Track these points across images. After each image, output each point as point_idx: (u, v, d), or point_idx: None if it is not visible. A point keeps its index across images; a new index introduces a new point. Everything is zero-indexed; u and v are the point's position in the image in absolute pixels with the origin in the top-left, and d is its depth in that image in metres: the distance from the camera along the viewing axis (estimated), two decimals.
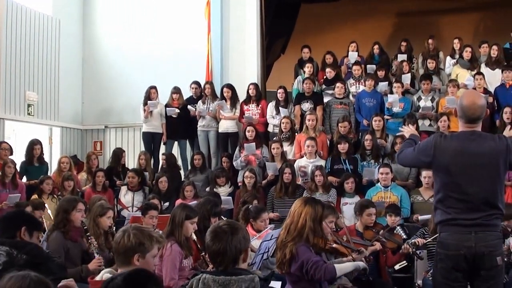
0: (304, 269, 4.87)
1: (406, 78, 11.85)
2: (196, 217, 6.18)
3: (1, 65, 11.78)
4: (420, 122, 10.86)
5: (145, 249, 3.87)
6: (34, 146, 10.89)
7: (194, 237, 6.11)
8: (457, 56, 12.35)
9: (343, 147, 10.15)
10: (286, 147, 10.81)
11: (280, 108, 11.51)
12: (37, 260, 4.97)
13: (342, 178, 9.65)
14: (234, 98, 11.94)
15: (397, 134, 10.07)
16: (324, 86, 12.25)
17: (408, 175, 9.99)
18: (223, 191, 10.26)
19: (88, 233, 6.37)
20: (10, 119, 12.09)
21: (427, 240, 7.02)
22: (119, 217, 9.94)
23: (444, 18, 17.41)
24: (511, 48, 12.23)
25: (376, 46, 13.32)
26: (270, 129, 11.75)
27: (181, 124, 12.15)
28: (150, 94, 12.12)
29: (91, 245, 6.27)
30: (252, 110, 11.78)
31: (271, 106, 11.74)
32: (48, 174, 11.06)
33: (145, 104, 12.06)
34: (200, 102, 12.04)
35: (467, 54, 11.93)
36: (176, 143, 12.42)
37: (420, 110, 11.12)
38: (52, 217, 8.53)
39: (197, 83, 12.42)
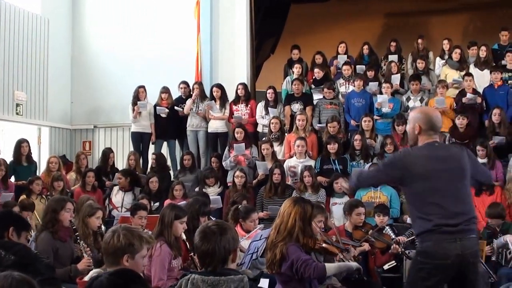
0: (294, 268, 4.88)
1: (395, 79, 11.87)
2: (185, 217, 6.17)
3: None
4: None
5: (134, 250, 3.86)
6: (21, 144, 10.85)
7: (184, 236, 6.10)
8: (446, 56, 12.39)
9: (332, 147, 10.17)
10: (276, 147, 10.81)
11: (269, 108, 11.51)
12: (25, 261, 4.95)
13: (331, 178, 9.66)
14: (223, 98, 11.93)
15: (385, 134, 10.11)
16: (313, 86, 12.27)
17: None
18: (212, 191, 10.25)
19: (77, 233, 6.35)
20: None
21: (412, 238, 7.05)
22: (110, 217, 9.90)
23: (433, 18, 17.46)
24: (500, 49, 12.28)
25: (365, 46, 13.33)
26: (259, 129, 11.75)
27: (170, 124, 12.13)
28: (139, 94, 12.08)
29: (79, 245, 6.25)
30: (241, 110, 11.78)
31: (260, 106, 11.75)
32: (37, 174, 11.02)
33: (134, 104, 12.02)
34: (189, 100, 12.00)
35: (456, 55, 11.96)
36: (165, 143, 12.40)
37: (409, 111, 11.15)
38: (38, 218, 8.49)
39: (185, 83, 12.39)
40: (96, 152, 13.63)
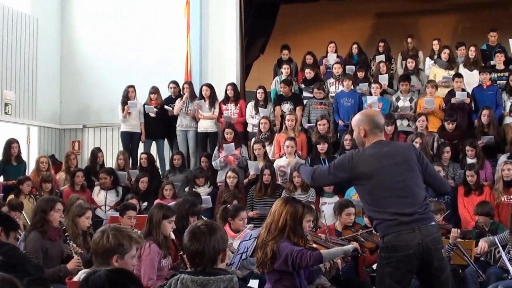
0: (290, 261, 4.89)
1: (383, 79, 11.90)
2: (174, 216, 6.17)
3: None
4: (398, 122, 10.95)
5: (124, 250, 3.85)
6: (11, 145, 10.82)
7: (173, 236, 6.09)
8: (436, 57, 12.43)
9: (322, 148, 10.18)
10: (265, 147, 10.82)
11: (259, 108, 11.52)
12: (14, 261, 4.94)
13: None
14: (213, 97, 11.92)
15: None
16: (303, 86, 12.29)
17: None
18: (202, 191, 10.23)
19: (67, 233, 6.34)
20: None
21: None
22: (95, 217, 9.85)
23: (422, 19, 17.54)
24: (488, 49, 12.33)
25: (355, 46, 13.37)
26: (249, 129, 11.76)
27: (160, 124, 12.13)
28: (129, 93, 12.06)
29: (69, 245, 6.23)
30: (231, 110, 11.79)
31: (250, 106, 11.76)
32: (26, 173, 10.98)
33: (123, 103, 12.00)
34: (178, 100, 11.99)
35: (445, 55, 12.01)
36: (154, 142, 12.38)
37: (398, 111, 11.20)
38: (27, 218, 8.46)
39: (175, 82, 12.38)
40: (85, 152, 13.57)
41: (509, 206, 8.12)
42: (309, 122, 11.31)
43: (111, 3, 13.87)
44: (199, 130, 11.85)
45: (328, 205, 9.25)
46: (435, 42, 12.67)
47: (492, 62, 11.88)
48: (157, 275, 5.80)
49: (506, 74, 11.30)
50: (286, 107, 11.59)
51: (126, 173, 11.06)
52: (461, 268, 7.33)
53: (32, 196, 9.83)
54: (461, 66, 11.95)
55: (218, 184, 10.58)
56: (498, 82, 11.37)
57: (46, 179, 10.14)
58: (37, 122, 13.35)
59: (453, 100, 10.79)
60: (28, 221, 7.95)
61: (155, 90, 12.22)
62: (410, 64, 12.20)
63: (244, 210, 7.69)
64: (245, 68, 14.12)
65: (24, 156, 11.64)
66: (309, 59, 12.76)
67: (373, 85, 11.50)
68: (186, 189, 10.48)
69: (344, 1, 16.70)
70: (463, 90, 11.04)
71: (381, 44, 13.31)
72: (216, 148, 11.05)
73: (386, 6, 17.14)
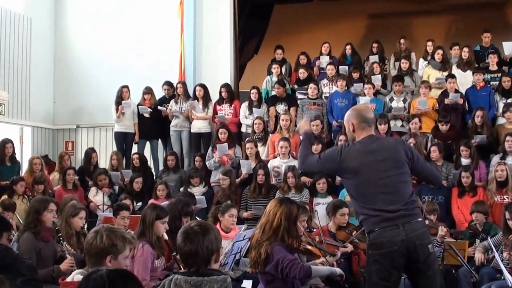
0: (280, 268, 4.90)
1: (377, 79, 11.91)
2: (167, 217, 6.16)
3: None
4: (392, 123, 10.95)
5: (117, 251, 3.85)
6: (5, 145, 10.81)
7: (166, 236, 6.08)
8: (429, 57, 12.45)
9: (316, 148, 10.16)
10: (259, 147, 10.82)
11: (253, 108, 11.53)
12: (6, 261, 4.93)
13: (314, 178, 9.69)
14: (206, 97, 11.92)
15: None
16: (296, 86, 12.30)
17: None
18: (197, 191, 10.23)
19: (60, 234, 6.32)
20: None
21: None
22: (92, 217, 9.84)
23: (416, 20, 17.54)
24: (482, 50, 12.36)
25: (348, 47, 13.38)
26: (243, 129, 11.76)
27: (153, 124, 12.11)
28: (123, 94, 12.04)
29: (62, 246, 6.22)
30: (225, 110, 11.79)
31: (244, 106, 11.76)
32: (20, 174, 10.95)
33: (117, 103, 11.98)
34: (172, 101, 11.99)
35: (438, 56, 12.03)
36: (148, 143, 12.36)
37: (392, 111, 11.21)
38: (19, 218, 8.43)
39: (169, 83, 12.37)
40: (79, 152, 13.54)
41: (502, 206, 8.14)
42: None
43: (105, 4, 13.83)
44: (192, 131, 11.84)
45: (322, 205, 9.25)
46: (429, 43, 12.68)
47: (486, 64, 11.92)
48: (150, 275, 5.79)
49: (499, 75, 11.33)
50: (281, 107, 11.59)
51: (119, 174, 11.05)
52: (454, 268, 7.36)
53: (26, 196, 9.80)
54: (454, 67, 11.97)
55: (212, 185, 10.58)
56: (491, 83, 11.39)
57: (38, 180, 10.11)
58: (31, 122, 13.31)
59: (446, 101, 10.81)
60: (21, 222, 7.92)
61: (148, 91, 12.21)
62: (404, 64, 12.22)
63: (234, 207, 7.68)
64: (239, 68, 14.11)
65: (17, 157, 11.61)
66: (303, 60, 12.79)
67: (366, 85, 11.51)
68: (181, 189, 10.47)
69: (338, 2, 16.69)
70: (457, 90, 11.06)
71: (375, 45, 13.32)
72: (210, 148, 11.05)
73: (380, 7, 17.13)
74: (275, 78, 12.21)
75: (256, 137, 10.92)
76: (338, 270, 5.44)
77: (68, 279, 4.22)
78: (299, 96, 12.01)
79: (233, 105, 11.85)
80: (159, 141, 12.49)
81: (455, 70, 11.81)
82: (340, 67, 12.52)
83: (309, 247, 5.64)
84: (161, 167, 11.76)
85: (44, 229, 6.27)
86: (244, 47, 15.23)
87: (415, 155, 5.00)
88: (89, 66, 13.77)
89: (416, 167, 4.99)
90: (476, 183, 9.33)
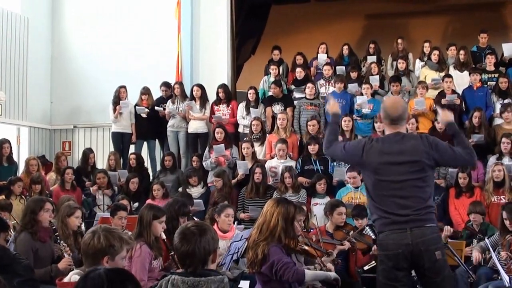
0: (274, 269, 4.91)
1: (375, 80, 11.91)
2: (164, 216, 6.14)
3: None
4: None
5: (114, 251, 3.84)
6: (3, 145, 10.79)
7: (164, 236, 6.07)
8: (426, 58, 12.46)
9: (313, 148, 10.18)
10: (256, 147, 10.81)
11: (251, 108, 11.51)
12: (3, 262, 4.92)
13: (314, 179, 9.67)
14: (203, 98, 11.91)
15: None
16: (293, 87, 12.30)
17: None
18: (196, 191, 10.23)
19: (57, 233, 6.31)
20: None
21: None
22: (90, 217, 9.83)
23: (413, 20, 17.56)
24: (479, 51, 12.38)
25: (345, 47, 13.41)
26: (240, 129, 11.75)
27: (151, 124, 12.11)
28: (120, 94, 12.04)
29: (59, 245, 6.21)
30: (223, 111, 11.78)
31: (241, 106, 11.75)
32: (17, 174, 10.93)
33: (114, 103, 11.97)
34: (169, 101, 11.98)
35: (435, 56, 12.04)
36: (145, 143, 12.35)
37: None
38: (16, 219, 8.42)
39: (167, 84, 12.37)
40: (76, 153, 13.55)
41: (499, 206, 8.14)
42: (299, 123, 11.31)
43: (103, 4, 13.84)
44: (189, 131, 11.84)
45: (319, 205, 9.24)
46: (426, 44, 12.70)
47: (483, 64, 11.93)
48: (148, 276, 5.78)
49: (496, 75, 11.35)
50: (277, 108, 11.59)
51: (116, 174, 11.04)
52: (451, 269, 7.35)
53: (23, 197, 9.79)
54: (451, 68, 11.99)
55: (209, 185, 10.56)
56: (488, 83, 11.41)
57: (35, 181, 10.11)
58: (28, 123, 13.30)
59: (443, 101, 10.81)
60: (18, 222, 7.90)
61: (146, 91, 12.21)
62: (401, 65, 12.23)
63: (230, 207, 7.69)
64: (236, 68, 14.11)
65: (14, 157, 11.60)
66: (299, 60, 12.78)
67: (364, 85, 11.50)
68: (180, 189, 10.46)
69: (335, 2, 16.73)
70: (453, 91, 11.07)
71: (372, 45, 13.34)
72: (207, 148, 11.03)
73: (377, 7, 17.16)
74: (272, 79, 12.21)
75: (254, 137, 10.91)
76: (333, 275, 5.43)
77: (65, 279, 4.22)
78: (296, 95, 12.02)
79: (230, 106, 11.83)
80: (156, 141, 12.48)
81: (452, 71, 11.84)
82: (337, 67, 12.51)
83: (306, 248, 5.64)
84: (158, 168, 11.75)
85: (41, 229, 6.26)
86: (241, 47, 15.24)
87: (433, 146, 4.83)
88: (86, 66, 13.77)
89: (443, 161, 5.01)
90: (473, 184, 9.35)
